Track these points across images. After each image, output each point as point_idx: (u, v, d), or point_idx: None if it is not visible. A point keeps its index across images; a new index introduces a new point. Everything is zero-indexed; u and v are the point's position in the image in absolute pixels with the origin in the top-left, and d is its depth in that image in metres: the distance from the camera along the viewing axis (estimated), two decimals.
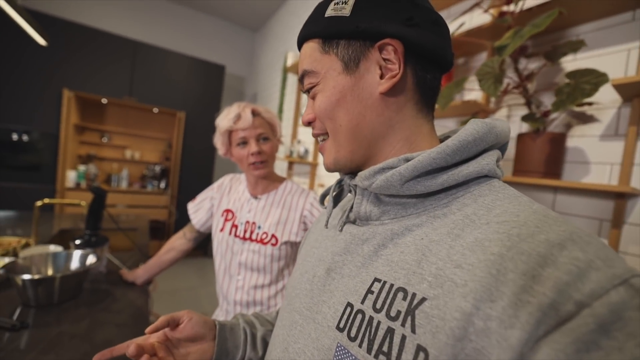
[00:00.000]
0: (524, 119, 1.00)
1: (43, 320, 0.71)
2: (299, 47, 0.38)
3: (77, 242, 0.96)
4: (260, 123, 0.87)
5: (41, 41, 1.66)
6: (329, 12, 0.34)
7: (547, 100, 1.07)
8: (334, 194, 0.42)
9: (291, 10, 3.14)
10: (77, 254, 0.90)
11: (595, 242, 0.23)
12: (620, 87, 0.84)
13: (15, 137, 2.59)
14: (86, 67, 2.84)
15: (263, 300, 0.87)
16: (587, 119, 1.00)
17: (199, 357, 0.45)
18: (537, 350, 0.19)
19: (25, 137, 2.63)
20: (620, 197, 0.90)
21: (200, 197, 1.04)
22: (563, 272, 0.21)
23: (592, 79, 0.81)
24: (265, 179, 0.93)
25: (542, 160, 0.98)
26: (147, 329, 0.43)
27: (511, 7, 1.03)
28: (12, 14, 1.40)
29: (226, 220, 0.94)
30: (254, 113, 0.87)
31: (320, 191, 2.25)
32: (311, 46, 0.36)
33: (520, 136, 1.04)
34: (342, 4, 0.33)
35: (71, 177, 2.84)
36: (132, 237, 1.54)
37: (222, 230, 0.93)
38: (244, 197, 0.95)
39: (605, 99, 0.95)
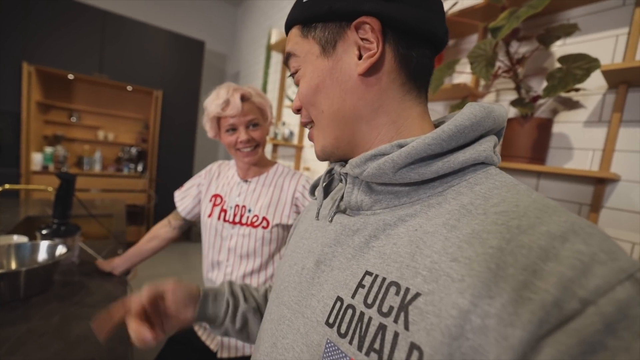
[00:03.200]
0: (514, 103, 1.00)
1: (8, 318, 0.66)
2: (287, 34, 0.38)
3: (44, 232, 0.89)
4: (250, 109, 0.83)
5: None
6: None
7: (536, 85, 1.07)
8: (324, 184, 0.40)
9: None
10: (44, 245, 0.83)
11: (598, 233, 0.21)
12: (608, 73, 0.84)
13: None
14: (48, 39, 2.58)
15: None
16: (572, 104, 1.01)
17: (179, 323, 0.48)
18: (539, 351, 0.18)
19: None
20: (600, 182, 0.92)
21: (187, 184, 1.00)
22: (566, 267, 0.19)
23: (583, 64, 0.80)
24: (256, 165, 0.90)
25: (529, 145, 0.99)
26: (133, 306, 0.44)
27: None
28: None
29: (214, 205, 0.90)
30: (244, 98, 0.83)
31: (306, 174, 2.22)
32: (294, 32, 0.36)
33: (509, 121, 1.04)
34: None
35: (37, 159, 2.64)
36: (107, 223, 1.46)
37: (210, 215, 0.90)
38: (233, 181, 0.93)
39: (592, 85, 0.96)
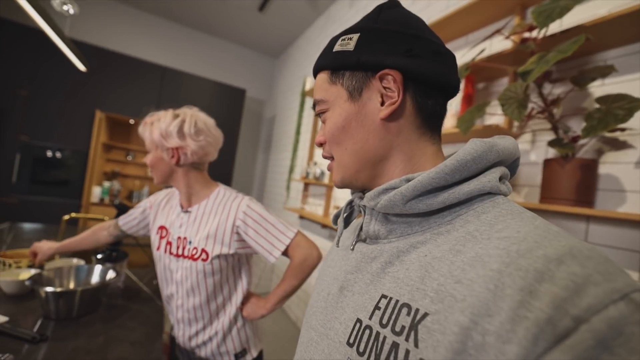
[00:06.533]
0: (551, 144, 0.97)
1: (61, 334, 0.71)
2: (315, 77, 0.42)
3: (99, 256, 0.98)
4: (143, 136, 0.86)
5: (81, 67, 1.80)
6: (337, 48, 0.37)
7: (575, 125, 1.04)
8: (345, 215, 0.44)
9: (309, 38, 3.29)
10: (97, 269, 0.91)
11: (597, 256, 0.22)
12: None
13: (49, 154, 2.75)
14: (118, 90, 3.03)
15: (205, 317, 0.83)
16: (620, 145, 0.96)
17: None
18: None
19: (58, 154, 2.78)
20: None
21: (139, 204, 1.03)
22: (559, 288, 0.21)
23: (625, 104, 0.78)
24: (191, 192, 0.88)
25: (573, 187, 0.94)
26: None
27: (533, 34, 1.03)
28: (59, 43, 1.53)
29: (161, 237, 0.89)
30: (145, 125, 0.86)
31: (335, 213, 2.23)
32: (322, 77, 0.39)
33: (547, 162, 1.01)
34: (348, 40, 0.37)
35: (96, 192, 2.95)
36: (149, 253, 1.56)
37: (158, 248, 0.89)
38: (175, 211, 0.91)
39: (638, 124, 0.92)
